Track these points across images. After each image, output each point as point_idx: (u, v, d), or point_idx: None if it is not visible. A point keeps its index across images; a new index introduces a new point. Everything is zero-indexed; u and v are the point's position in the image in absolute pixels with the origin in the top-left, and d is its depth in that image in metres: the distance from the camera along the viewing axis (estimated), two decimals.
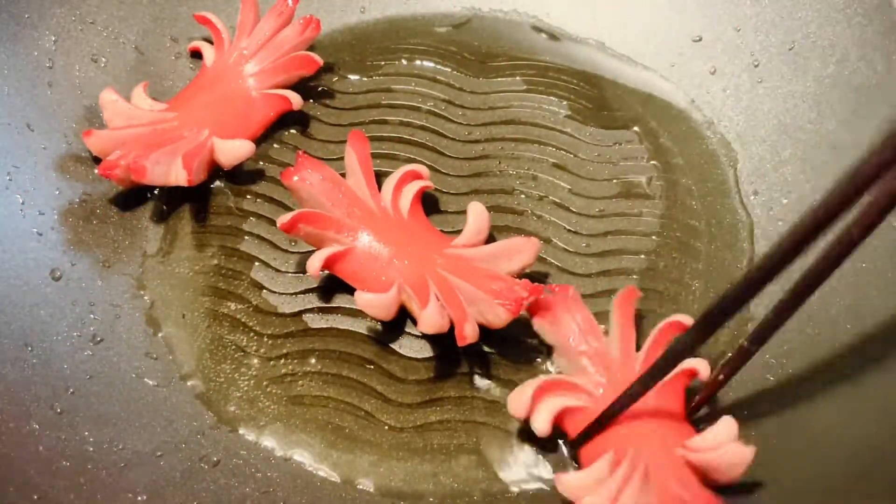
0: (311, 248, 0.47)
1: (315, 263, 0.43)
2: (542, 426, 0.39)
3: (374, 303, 0.42)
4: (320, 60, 0.52)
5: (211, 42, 0.53)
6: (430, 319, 0.40)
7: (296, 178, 0.45)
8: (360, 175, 0.46)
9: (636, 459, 0.37)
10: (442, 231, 0.47)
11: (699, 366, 0.41)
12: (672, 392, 0.41)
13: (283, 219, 0.44)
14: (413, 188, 0.45)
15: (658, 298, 0.47)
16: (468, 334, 0.40)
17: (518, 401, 0.40)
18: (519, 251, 0.43)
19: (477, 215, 0.44)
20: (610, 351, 0.42)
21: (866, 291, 0.44)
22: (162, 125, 0.48)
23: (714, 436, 0.38)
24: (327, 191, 0.45)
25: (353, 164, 0.46)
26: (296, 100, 0.51)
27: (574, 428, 0.40)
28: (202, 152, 0.47)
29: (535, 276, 0.46)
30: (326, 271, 0.45)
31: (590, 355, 0.41)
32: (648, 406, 0.39)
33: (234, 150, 0.48)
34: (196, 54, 0.54)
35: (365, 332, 0.45)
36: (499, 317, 0.41)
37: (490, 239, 0.48)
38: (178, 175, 0.46)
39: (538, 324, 0.43)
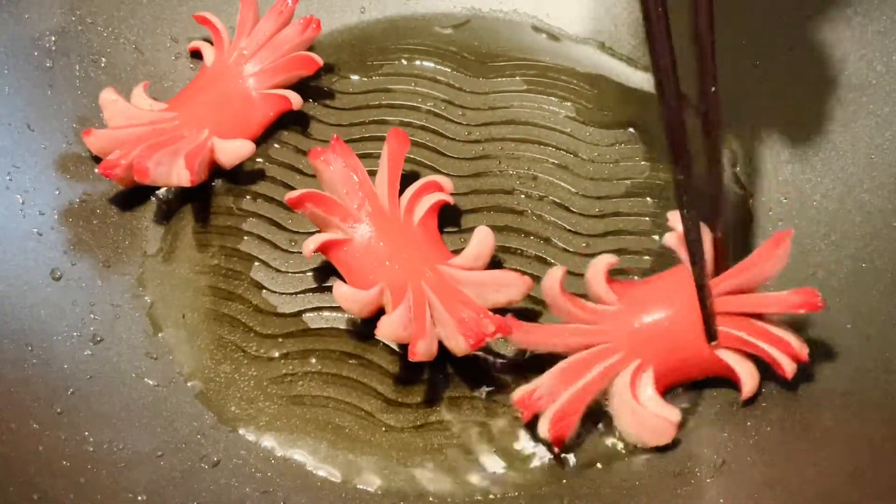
0: None
1: (310, 246, 0.43)
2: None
3: (351, 297, 0.42)
4: (320, 60, 0.52)
5: (211, 42, 0.53)
6: (389, 326, 0.40)
7: (322, 158, 0.45)
8: (385, 173, 0.46)
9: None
10: (442, 232, 0.47)
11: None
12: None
13: (293, 194, 0.44)
14: (431, 199, 0.45)
15: None
16: (419, 351, 0.40)
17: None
18: (508, 285, 0.42)
19: (480, 241, 0.43)
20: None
21: (866, 291, 0.44)
22: (162, 125, 0.48)
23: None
24: (346, 179, 0.45)
25: (383, 160, 0.46)
26: (296, 100, 0.51)
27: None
28: (203, 152, 0.47)
29: (535, 277, 0.46)
30: (321, 259, 0.45)
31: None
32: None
33: (234, 151, 0.48)
34: (196, 54, 0.54)
35: (365, 332, 0.45)
36: (458, 345, 0.40)
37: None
38: (179, 175, 0.46)
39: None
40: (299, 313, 0.46)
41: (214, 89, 0.51)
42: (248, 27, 0.52)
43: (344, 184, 0.45)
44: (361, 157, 0.47)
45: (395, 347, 0.44)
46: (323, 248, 0.44)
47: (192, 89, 0.51)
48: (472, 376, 0.44)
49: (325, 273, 0.47)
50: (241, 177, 0.50)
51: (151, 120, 0.48)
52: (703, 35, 0.38)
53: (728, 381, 0.43)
